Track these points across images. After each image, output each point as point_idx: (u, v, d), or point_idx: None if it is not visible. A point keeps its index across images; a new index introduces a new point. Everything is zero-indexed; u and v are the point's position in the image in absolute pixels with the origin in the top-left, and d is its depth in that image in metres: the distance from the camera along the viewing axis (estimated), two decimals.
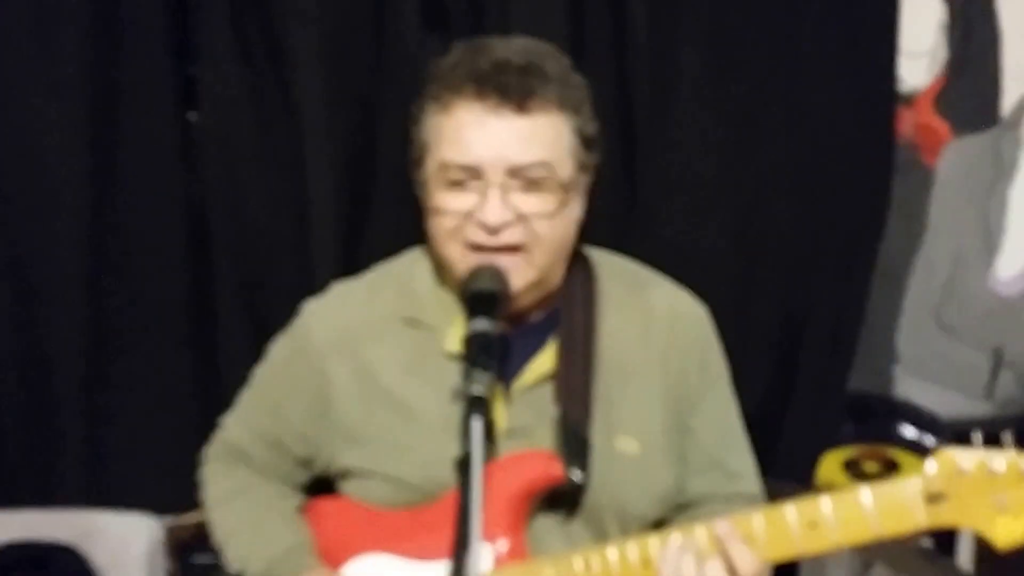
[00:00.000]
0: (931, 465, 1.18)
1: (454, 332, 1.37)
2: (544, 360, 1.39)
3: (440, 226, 1.34)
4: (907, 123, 2.65)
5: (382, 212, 2.16)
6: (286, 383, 1.47)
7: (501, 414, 1.36)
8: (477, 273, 1.31)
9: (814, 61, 2.37)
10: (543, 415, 1.36)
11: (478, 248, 1.32)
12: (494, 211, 1.30)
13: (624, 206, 2.32)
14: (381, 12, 2.16)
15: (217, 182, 2.21)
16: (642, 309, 1.43)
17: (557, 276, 1.40)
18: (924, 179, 2.70)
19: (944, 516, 1.18)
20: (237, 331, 2.18)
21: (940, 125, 2.69)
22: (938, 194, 2.71)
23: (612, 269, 1.47)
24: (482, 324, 1.26)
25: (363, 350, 1.41)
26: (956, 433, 2.53)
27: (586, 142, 1.36)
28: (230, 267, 2.20)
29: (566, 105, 1.33)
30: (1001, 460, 1.16)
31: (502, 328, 1.28)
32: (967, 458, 1.17)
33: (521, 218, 1.31)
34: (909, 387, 2.72)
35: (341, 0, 2.13)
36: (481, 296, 1.29)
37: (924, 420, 2.49)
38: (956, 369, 2.75)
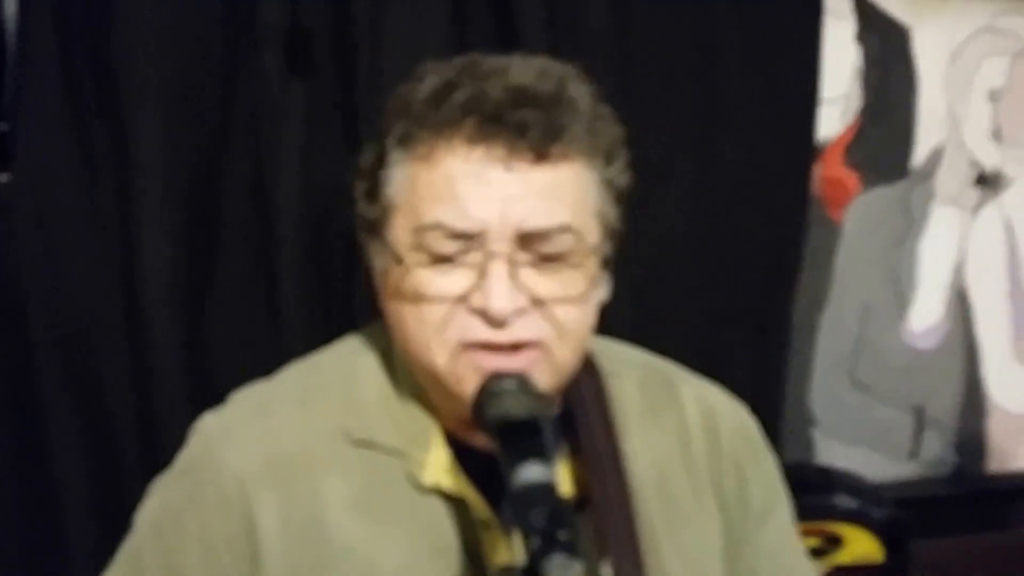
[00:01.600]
0: None
1: (431, 458, 0.99)
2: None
3: (418, 317, 0.94)
4: (815, 176, 2.47)
5: (228, 286, 1.80)
6: (193, 554, 0.99)
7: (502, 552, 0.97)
8: (498, 387, 0.91)
9: (731, 109, 2.19)
10: None
11: (475, 348, 0.93)
12: (501, 294, 0.91)
13: None
14: (233, 53, 1.78)
15: (31, 252, 1.75)
16: (673, 417, 1.06)
17: (570, 377, 1.01)
18: (831, 233, 2.52)
19: None
20: (70, 431, 1.75)
21: (849, 177, 2.52)
22: (845, 248, 2.54)
23: (617, 360, 1.08)
24: (537, 472, 0.82)
25: (301, 485, 0.98)
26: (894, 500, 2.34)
27: (617, 198, 1.00)
28: (51, 356, 1.73)
29: (597, 150, 0.96)
30: None
31: (555, 471, 0.86)
32: None
33: (537, 304, 0.94)
34: (830, 451, 2.54)
35: (185, 42, 1.75)
36: (518, 426, 0.87)
37: (867, 490, 2.29)
38: (876, 429, 2.59)
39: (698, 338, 2.21)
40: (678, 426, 1.04)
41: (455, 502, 0.97)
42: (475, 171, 0.91)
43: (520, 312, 0.92)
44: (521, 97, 0.91)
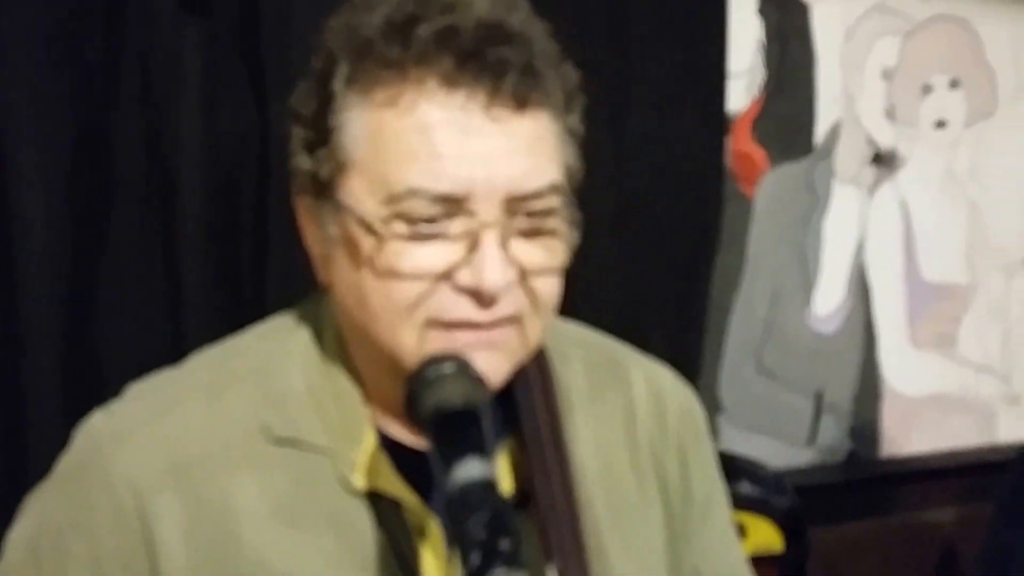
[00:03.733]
0: None
1: (362, 457, 0.83)
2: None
3: (386, 295, 0.78)
4: (726, 151, 2.29)
5: (118, 259, 1.46)
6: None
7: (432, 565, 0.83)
8: (434, 373, 0.76)
9: (642, 83, 2.06)
10: None
11: (456, 327, 0.78)
12: (495, 269, 0.77)
13: None
14: None
15: None
16: (620, 399, 0.92)
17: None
18: (743, 211, 2.34)
19: None
20: None
21: (757, 152, 2.35)
22: (756, 227, 2.36)
23: (563, 338, 0.93)
24: (475, 469, 0.69)
25: (209, 493, 0.82)
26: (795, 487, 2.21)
27: (578, 149, 0.85)
28: None
29: (562, 96, 0.81)
30: None
31: (495, 467, 0.74)
32: None
33: (522, 276, 0.80)
34: (733, 439, 2.35)
35: None
36: (455, 418, 0.73)
37: (769, 478, 2.11)
38: (778, 415, 2.42)
39: (618, 319, 2.00)
40: (624, 408, 0.92)
41: (390, 506, 0.83)
42: (455, 120, 0.76)
43: (508, 287, 0.78)
44: (497, 33, 0.77)
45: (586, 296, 1.96)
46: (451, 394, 0.74)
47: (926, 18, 2.52)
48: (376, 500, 0.81)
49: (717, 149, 2.09)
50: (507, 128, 0.76)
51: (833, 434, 2.49)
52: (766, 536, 2.05)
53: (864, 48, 2.47)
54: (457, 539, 0.67)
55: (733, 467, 2.15)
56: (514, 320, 0.80)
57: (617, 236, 2.00)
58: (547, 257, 0.80)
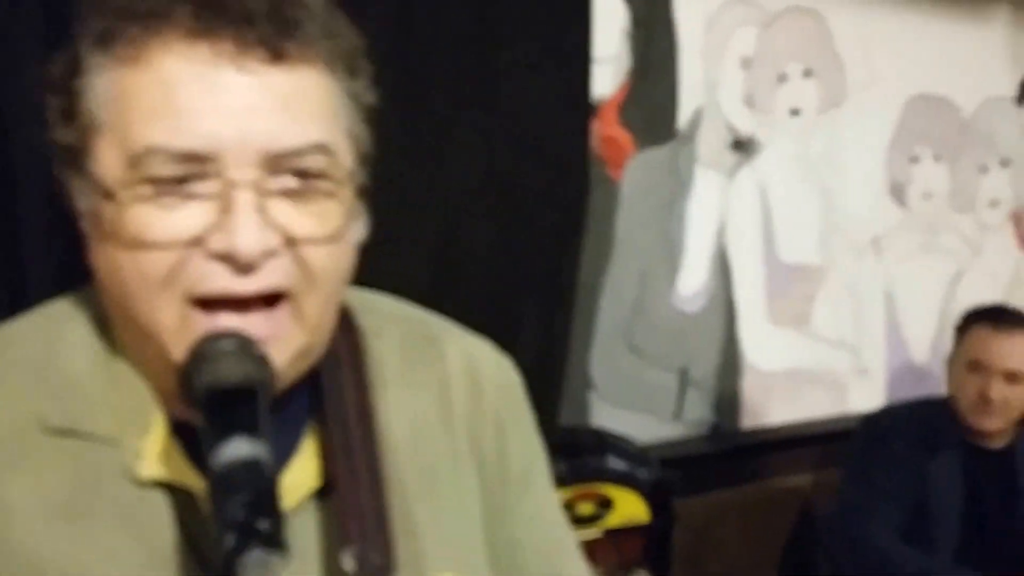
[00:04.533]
0: None
1: (150, 445, 0.75)
2: (302, 470, 0.79)
3: (138, 268, 0.71)
4: (593, 135, 2.31)
5: None
6: None
7: None
8: (213, 349, 0.70)
9: (510, 65, 2.02)
10: (310, 561, 0.77)
11: (211, 305, 0.71)
12: (249, 231, 0.70)
13: None
14: None
15: None
16: (436, 374, 0.87)
17: (328, 339, 0.80)
18: (611, 194, 2.37)
19: None
20: None
21: (623, 136, 2.38)
22: (624, 210, 2.40)
23: (380, 315, 0.88)
24: (241, 449, 0.64)
25: None
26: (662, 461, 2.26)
27: (367, 118, 0.79)
28: None
29: (338, 57, 0.75)
30: None
31: (269, 451, 0.67)
32: None
33: (289, 244, 0.72)
34: (604, 415, 2.39)
35: None
36: (230, 396, 0.68)
37: (634, 451, 2.16)
38: (647, 392, 2.47)
39: (489, 301, 2.00)
40: (439, 383, 0.87)
41: (181, 496, 0.76)
42: (200, 73, 0.70)
43: (270, 254, 0.71)
44: None
45: (456, 278, 1.96)
46: (227, 371, 0.68)
47: (781, 9, 2.60)
48: (172, 491, 0.75)
49: (582, 133, 2.09)
50: (260, 82, 0.71)
51: (698, 408, 2.56)
52: (633, 508, 2.09)
53: (724, 37, 2.53)
54: (216, 524, 0.63)
55: (601, 442, 2.19)
56: (285, 297, 0.73)
57: (486, 219, 1.99)
58: (318, 224, 0.73)
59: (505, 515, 0.88)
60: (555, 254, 2.10)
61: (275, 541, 0.61)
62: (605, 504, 2.08)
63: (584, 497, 2.06)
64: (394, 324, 0.89)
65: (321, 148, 0.72)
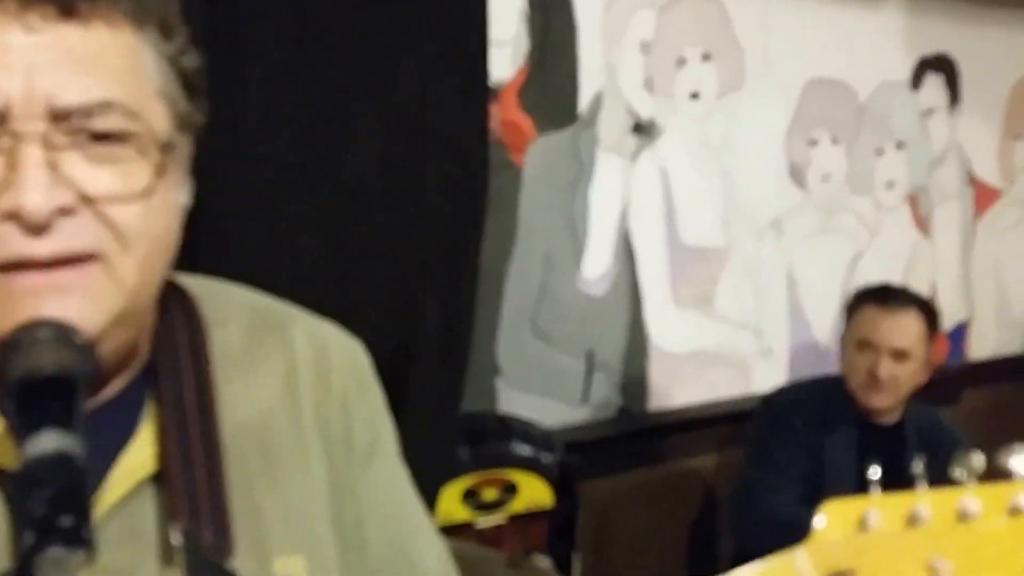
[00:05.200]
0: (821, 523, 0.72)
1: None
2: (139, 453, 0.76)
3: None
4: (493, 119, 2.27)
5: None
6: None
7: None
8: (28, 338, 0.65)
9: (405, 48, 1.96)
10: (147, 544, 0.75)
11: (13, 269, 0.68)
12: (37, 187, 0.67)
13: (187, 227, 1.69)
14: None
15: None
16: (282, 360, 0.86)
17: (151, 310, 0.78)
18: (513, 178, 2.34)
19: None
20: None
21: (524, 121, 2.34)
22: (527, 194, 2.37)
23: (224, 304, 0.87)
24: (50, 442, 0.60)
25: None
26: (565, 444, 2.24)
27: (186, 82, 0.76)
28: None
29: (147, 16, 0.73)
30: (925, 501, 0.70)
31: (83, 443, 0.62)
32: (871, 507, 0.71)
33: (87, 202, 0.69)
34: (511, 401, 2.35)
35: None
36: (44, 387, 0.63)
37: (538, 436, 2.13)
38: (554, 377, 2.44)
39: (390, 287, 1.94)
40: (285, 369, 0.86)
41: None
42: None
43: (66, 213, 0.68)
44: None
45: (355, 265, 1.90)
46: (40, 361, 0.65)
47: None
48: (2, 475, 0.72)
49: (481, 117, 2.05)
50: (50, 41, 0.69)
51: (604, 391, 2.54)
52: (537, 492, 2.06)
53: (622, 21, 2.51)
54: (18, 518, 0.59)
55: (505, 428, 2.16)
56: (93, 258, 0.70)
57: (384, 205, 1.93)
58: (121, 182, 0.70)
59: (351, 492, 0.87)
60: (456, 240, 2.06)
61: (77, 538, 0.57)
62: (509, 489, 2.05)
63: (488, 483, 2.03)
64: (240, 312, 0.87)
65: (114, 106, 0.69)
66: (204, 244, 1.71)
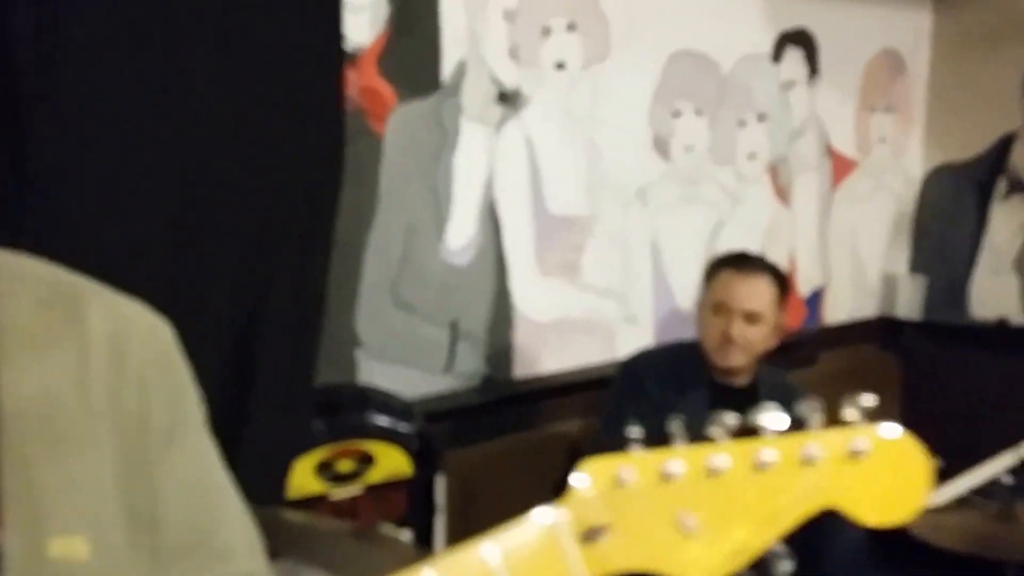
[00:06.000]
0: (580, 481, 0.72)
1: None
2: None
3: None
4: (352, 86, 2.19)
5: None
6: None
7: None
8: None
9: (254, 14, 1.86)
10: None
11: None
12: None
13: (11, 199, 1.58)
14: None
15: None
16: (74, 337, 0.83)
17: None
18: (374, 147, 2.27)
19: (612, 560, 0.71)
20: None
21: (384, 88, 2.27)
22: (388, 163, 2.30)
23: (11, 277, 0.84)
24: None
25: None
26: (426, 414, 2.21)
27: None
28: None
29: None
30: (677, 458, 0.71)
31: None
32: (628, 464, 0.71)
33: None
34: (372, 372, 2.31)
35: None
36: None
37: (396, 406, 2.09)
38: (417, 347, 2.40)
39: (243, 258, 1.87)
40: (78, 345, 0.84)
41: None
42: None
43: None
44: None
45: (203, 233, 1.82)
46: None
47: None
48: None
49: (335, 83, 1.98)
50: None
51: (469, 361, 2.52)
52: (395, 462, 2.03)
53: None
54: None
55: (363, 399, 2.12)
56: None
57: (235, 173, 1.85)
58: None
59: (146, 473, 0.84)
60: (311, 208, 1.99)
61: None
62: (366, 460, 2.01)
63: (344, 454, 1.98)
64: (29, 285, 0.83)
65: None
66: (29, 219, 1.62)
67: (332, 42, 1.98)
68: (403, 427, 2.05)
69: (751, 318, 2.15)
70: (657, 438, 0.72)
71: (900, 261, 3.70)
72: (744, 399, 2.25)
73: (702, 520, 0.71)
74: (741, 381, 2.23)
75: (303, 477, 1.92)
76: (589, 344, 2.77)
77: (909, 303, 3.63)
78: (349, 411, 2.04)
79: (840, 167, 3.45)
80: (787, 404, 2.27)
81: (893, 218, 3.66)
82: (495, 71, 2.49)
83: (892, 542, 2.11)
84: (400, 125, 2.32)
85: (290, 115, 1.92)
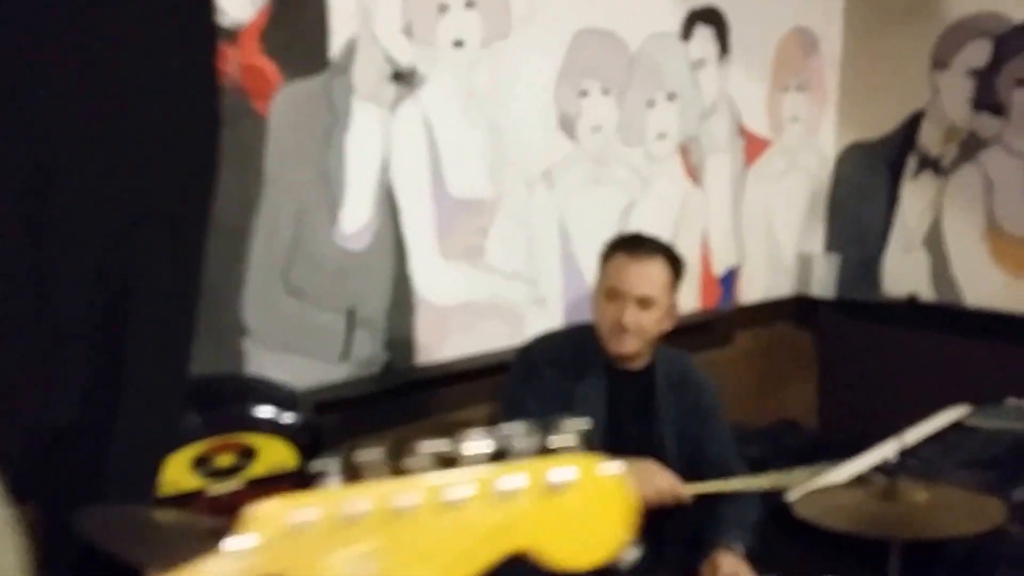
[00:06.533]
0: (254, 525, 0.63)
1: None
2: None
3: None
4: (232, 64, 2.08)
5: None
6: None
7: None
8: None
9: None
10: None
11: None
12: None
13: None
14: None
15: None
16: None
17: None
18: (257, 127, 2.16)
19: None
20: None
21: (268, 66, 2.16)
22: (274, 145, 2.19)
23: None
24: None
25: None
26: (317, 403, 2.11)
27: None
28: None
29: None
30: (362, 496, 0.62)
31: None
32: (308, 505, 0.62)
33: None
34: (262, 362, 2.20)
35: None
36: None
37: (281, 396, 1.99)
38: (311, 335, 2.30)
39: (105, 239, 1.75)
40: None
41: None
42: None
43: None
44: None
45: (58, 214, 1.70)
46: None
47: None
48: None
49: (208, 60, 1.86)
50: None
51: (368, 348, 2.42)
52: (279, 455, 1.93)
53: None
54: None
55: (244, 390, 2.01)
56: None
57: (101, 160, 1.73)
58: None
59: None
60: (183, 192, 1.88)
61: None
62: (248, 454, 1.91)
63: (223, 448, 1.88)
64: None
65: None
66: None
67: (203, 13, 1.87)
68: (287, 418, 1.95)
69: (644, 303, 2.09)
70: (351, 473, 0.63)
71: (815, 240, 3.67)
72: (642, 383, 2.19)
73: (382, 567, 0.61)
74: (638, 365, 2.17)
75: (177, 473, 1.82)
76: (496, 328, 2.69)
77: (823, 281, 3.61)
78: (228, 403, 1.94)
79: (753, 146, 3.41)
80: (687, 387, 2.22)
81: (807, 197, 3.63)
82: (388, 49, 2.39)
83: (777, 523, 2.07)
84: (286, 105, 2.21)
85: (157, 95, 1.80)
